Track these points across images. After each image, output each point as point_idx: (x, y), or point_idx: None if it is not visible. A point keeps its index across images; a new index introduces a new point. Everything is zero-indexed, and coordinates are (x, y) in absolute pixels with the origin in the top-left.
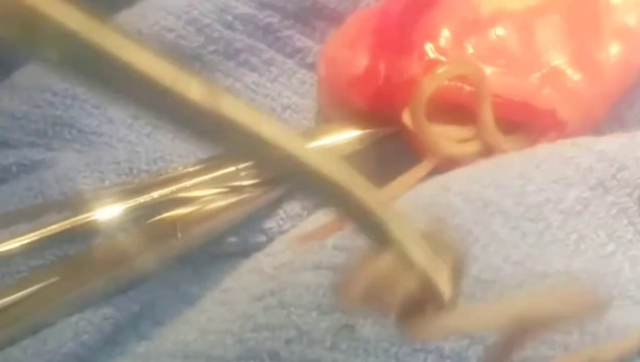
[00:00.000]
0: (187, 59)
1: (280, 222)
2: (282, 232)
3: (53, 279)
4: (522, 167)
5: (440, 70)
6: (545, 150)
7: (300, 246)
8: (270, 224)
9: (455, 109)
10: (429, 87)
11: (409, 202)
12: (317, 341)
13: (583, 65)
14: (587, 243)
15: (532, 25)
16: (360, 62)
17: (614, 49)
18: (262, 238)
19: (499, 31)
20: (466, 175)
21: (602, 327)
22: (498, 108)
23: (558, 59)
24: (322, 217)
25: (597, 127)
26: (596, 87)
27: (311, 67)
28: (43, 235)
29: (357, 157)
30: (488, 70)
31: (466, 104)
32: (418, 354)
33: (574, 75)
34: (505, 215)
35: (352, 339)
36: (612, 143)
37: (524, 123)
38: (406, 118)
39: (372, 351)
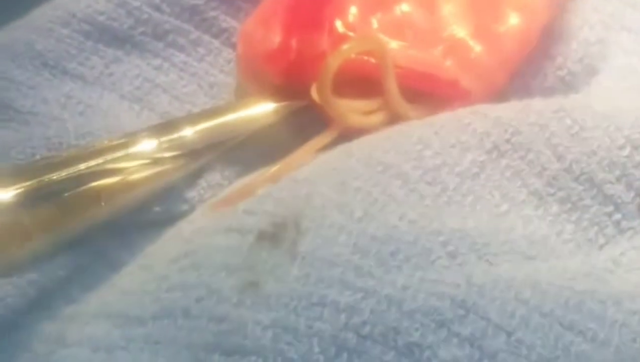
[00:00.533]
0: (117, 40)
1: (202, 191)
2: (203, 201)
3: None
4: (421, 133)
5: (345, 47)
6: (445, 118)
7: (215, 212)
8: (192, 193)
9: (362, 82)
10: (334, 62)
11: (315, 167)
12: (224, 298)
13: (484, 37)
14: (483, 204)
15: (436, 2)
16: (274, 38)
17: (513, 21)
18: (185, 207)
19: (404, 7)
20: (369, 142)
21: (489, 279)
22: (403, 79)
23: (460, 33)
24: (238, 185)
25: (501, 94)
26: (496, 57)
27: (235, 46)
28: None
29: (272, 128)
30: (393, 44)
31: (372, 77)
32: (315, 307)
33: (475, 47)
34: (403, 178)
35: (256, 296)
36: (507, 110)
37: (428, 93)
38: (314, 92)
39: (273, 305)
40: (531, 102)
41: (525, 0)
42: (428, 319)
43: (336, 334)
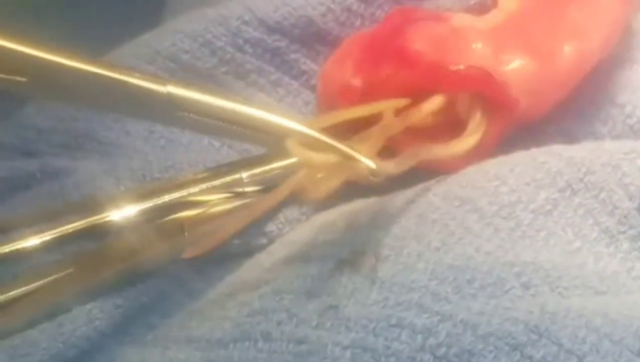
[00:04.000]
0: (200, 78)
1: (280, 225)
2: (281, 235)
3: (69, 270)
4: (497, 170)
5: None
6: (520, 156)
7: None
8: (271, 227)
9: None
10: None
11: (393, 201)
12: (304, 321)
13: (538, 55)
14: (555, 240)
15: (495, 33)
16: (347, 74)
17: (569, 46)
18: (264, 240)
19: (465, 35)
20: (446, 179)
21: (561, 308)
22: (459, 79)
23: (516, 48)
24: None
25: (572, 139)
26: (548, 75)
27: (314, 88)
28: (62, 233)
29: None
30: (453, 57)
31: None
32: (393, 329)
33: (529, 62)
34: (479, 212)
35: (336, 318)
36: (580, 150)
37: (481, 95)
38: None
39: (352, 327)
40: (603, 144)
41: (580, 29)
42: (502, 343)
43: (413, 355)
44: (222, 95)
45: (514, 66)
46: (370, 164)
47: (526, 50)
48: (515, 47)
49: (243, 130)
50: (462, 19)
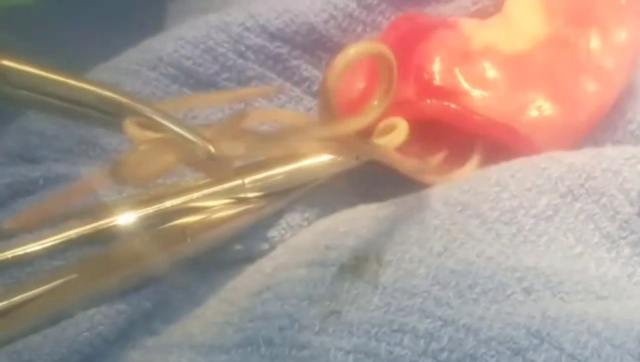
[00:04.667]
0: (202, 84)
1: (282, 231)
2: (283, 241)
3: (73, 276)
4: (498, 176)
5: (351, 50)
6: (520, 162)
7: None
8: (273, 233)
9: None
10: (341, 65)
11: (395, 206)
12: (306, 326)
13: (561, 100)
14: (557, 245)
15: (518, 63)
16: (358, 86)
17: (590, 87)
18: (265, 246)
19: (487, 64)
20: (447, 185)
21: (562, 313)
22: (481, 127)
23: (539, 92)
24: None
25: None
26: (571, 120)
27: (316, 95)
28: (65, 238)
29: (352, 172)
30: (475, 92)
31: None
32: (396, 334)
33: (551, 108)
34: (481, 218)
35: (338, 324)
36: (581, 156)
37: (502, 143)
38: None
39: (355, 332)
40: (603, 150)
41: (603, 69)
42: (503, 347)
43: (415, 360)
44: (58, 71)
45: (537, 115)
46: (209, 146)
47: (549, 93)
48: (538, 87)
49: (81, 109)
50: (471, 27)
